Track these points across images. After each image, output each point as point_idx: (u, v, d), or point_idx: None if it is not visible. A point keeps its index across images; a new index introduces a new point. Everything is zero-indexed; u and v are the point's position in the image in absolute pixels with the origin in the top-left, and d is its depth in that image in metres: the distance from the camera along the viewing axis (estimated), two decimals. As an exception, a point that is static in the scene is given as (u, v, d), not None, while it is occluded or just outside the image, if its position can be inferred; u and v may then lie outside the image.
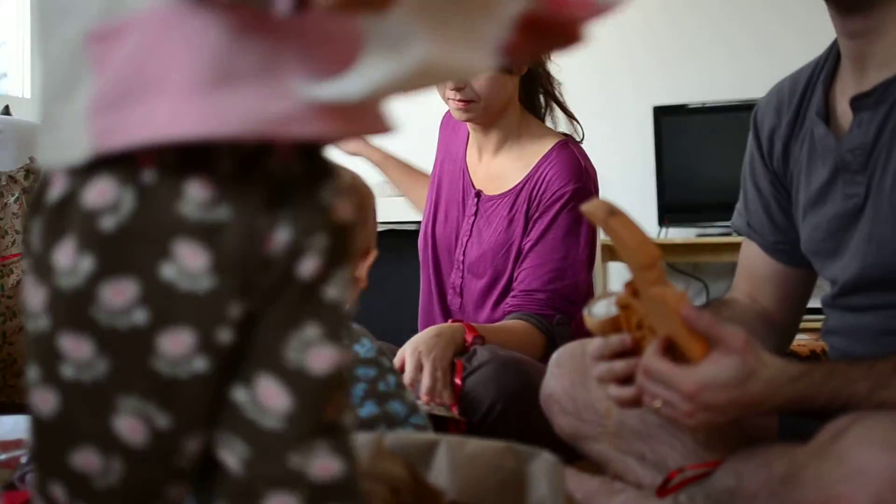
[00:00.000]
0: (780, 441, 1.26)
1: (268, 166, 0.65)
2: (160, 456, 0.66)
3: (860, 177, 1.27)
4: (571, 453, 1.51)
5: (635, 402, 1.19)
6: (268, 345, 0.67)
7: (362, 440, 0.99)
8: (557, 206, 1.94)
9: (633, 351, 1.18)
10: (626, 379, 1.19)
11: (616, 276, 4.36)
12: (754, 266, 1.47)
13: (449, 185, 2.12)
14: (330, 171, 0.69)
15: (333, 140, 0.70)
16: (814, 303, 1.48)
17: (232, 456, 0.68)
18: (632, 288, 1.16)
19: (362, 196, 1.42)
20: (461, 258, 2.04)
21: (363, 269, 1.42)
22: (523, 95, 2.03)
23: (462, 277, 2.04)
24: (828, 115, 1.33)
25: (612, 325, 1.20)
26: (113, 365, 0.64)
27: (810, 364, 1.14)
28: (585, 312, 1.22)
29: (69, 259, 0.63)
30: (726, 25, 4.24)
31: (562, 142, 2.01)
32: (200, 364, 0.65)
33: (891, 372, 1.11)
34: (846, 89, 1.31)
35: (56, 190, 0.64)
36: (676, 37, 4.31)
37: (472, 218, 2.04)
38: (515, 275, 1.97)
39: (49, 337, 0.65)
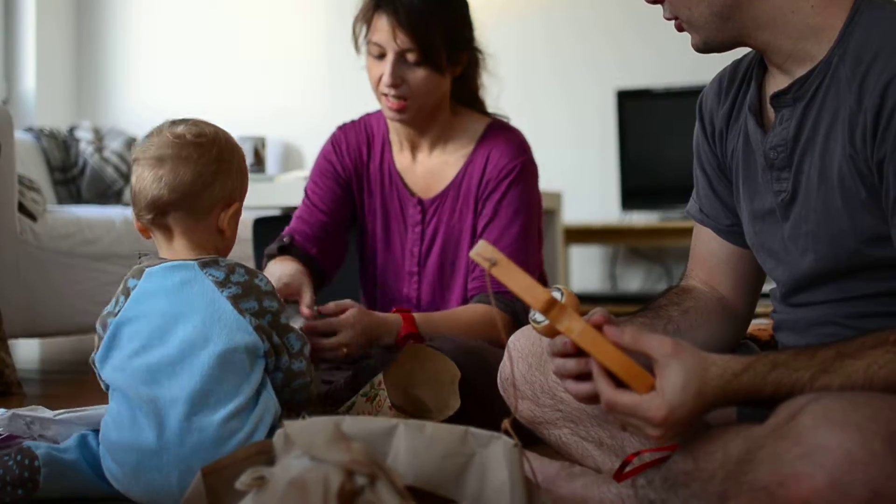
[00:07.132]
0: (738, 423, 1.27)
1: None
2: None
3: (785, 173, 1.27)
4: (531, 438, 1.51)
5: (593, 399, 1.19)
6: None
7: (319, 425, 0.98)
8: (507, 181, 1.96)
9: (578, 353, 1.19)
10: (580, 375, 1.20)
11: (577, 259, 4.37)
12: (708, 251, 1.46)
13: (382, 203, 2.06)
14: None
15: None
16: (771, 285, 1.48)
17: None
18: None
19: (222, 149, 1.45)
20: (415, 269, 2.02)
21: (225, 220, 1.46)
22: (456, 92, 2.02)
23: (418, 289, 2.02)
24: (761, 109, 1.33)
25: (556, 330, 1.19)
26: None
27: (753, 357, 1.15)
28: (530, 318, 1.22)
29: None
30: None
31: (493, 122, 2.03)
32: None
33: (832, 358, 1.11)
34: (772, 84, 1.31)
35: None
36: (630, 21, 4.29)
37: (419, 226, 2.02)
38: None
39: None
